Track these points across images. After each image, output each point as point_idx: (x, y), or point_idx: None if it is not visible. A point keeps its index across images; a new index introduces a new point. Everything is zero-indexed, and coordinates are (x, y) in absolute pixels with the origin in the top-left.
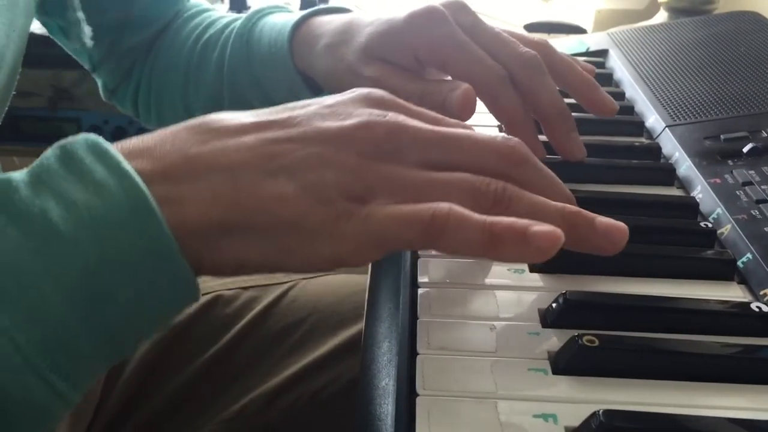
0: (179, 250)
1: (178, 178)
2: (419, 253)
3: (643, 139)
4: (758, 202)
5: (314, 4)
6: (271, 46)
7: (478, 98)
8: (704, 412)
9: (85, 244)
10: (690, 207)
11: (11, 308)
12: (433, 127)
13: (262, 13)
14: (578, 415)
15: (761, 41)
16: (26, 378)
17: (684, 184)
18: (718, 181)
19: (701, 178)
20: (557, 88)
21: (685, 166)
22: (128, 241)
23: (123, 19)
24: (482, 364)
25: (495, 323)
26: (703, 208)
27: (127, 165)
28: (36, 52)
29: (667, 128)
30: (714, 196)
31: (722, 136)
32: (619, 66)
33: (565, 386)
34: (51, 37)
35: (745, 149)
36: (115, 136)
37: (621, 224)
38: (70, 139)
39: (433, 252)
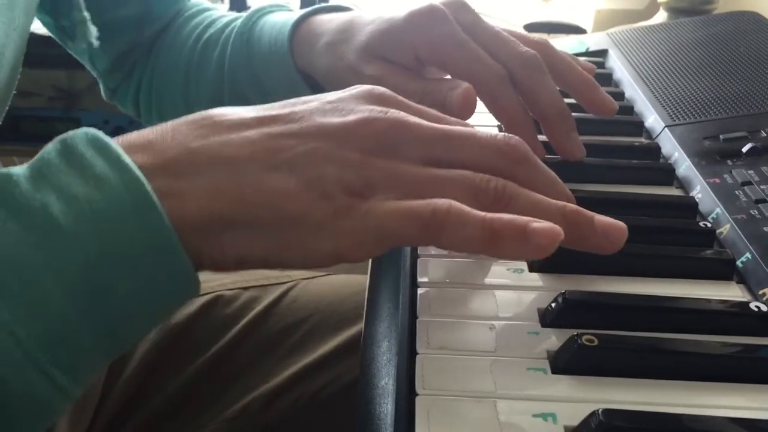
0: (180, 244)
1: (178, 172)
2: (419, 252)
3: (642, 139)
4: (757, 201)
5: (314, 3)
6: (271, 45)
7: (478, 98)
8: (704, 411)
9: (85, 238)
10: (689, 207)
11: (12, 302)
12: (434, 124)
13: (262, 12)
14: (577, 414)
15: (761, 41)
16: (27, 372)
17: (683, 184)
18: (717, 180)
19: (700, 177)
20: (557, 87)
21: (684, 166)
22: (129, 235)
23: (124, 18)
24: (482, 364)
25: (494, 323)
26: (702, 207)
27: (127, 159)
28: (36, 52)
29: (666, 128)
30: (713, 195)
31: (721, 136)
32: (618, 66)
33: (564, 386)
34: (52, 36)
35: (745, 149)
36: (115, 135)
37: (620, 223)
38: (71, 133)
39: (433, 251)
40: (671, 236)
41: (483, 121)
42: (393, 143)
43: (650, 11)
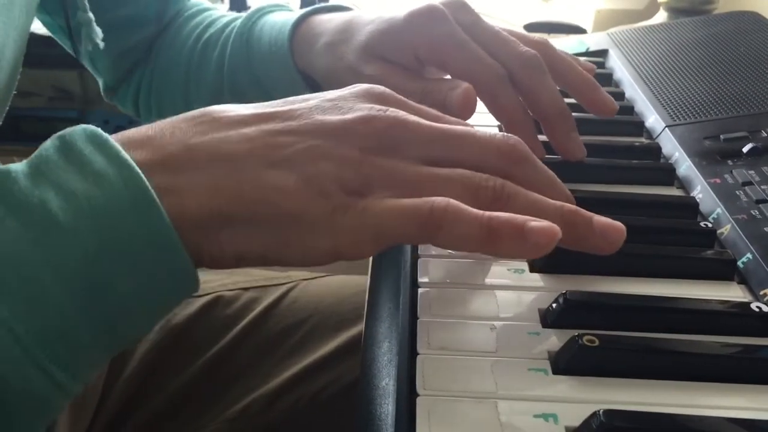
0: (179, 241)
1: (178, 168)
2: (419, 253)
3: (642, 139)
4: (758, 202)
5: (314, 3)
6: (271, 45)
7: (478, 97)
8: (704, 411)
9: (84, 235)
10: (690, 207)
11: (10, 299)
12: (433, 123)
13: (262, 12)
14: (578, 415)
15: (761, 41)
16: (26, 369)
17: (684, 184)
18: (717, 181)
19: (701, 178)
20: (557, 87)
21: (684, 166)
22: (128, 231)
23: (124, 18)
24: (482, 364)
25: (495, 323)
26: (702, 208)
27: (126, 155)
28: (36, 52)
29: (666, 128)
30: (714, 196)
31: (722, 136)
32: (618, 66)
33: (565, 386)
34: (53, 36)
35: (745, 149)
36: None
37: (618, 224)
38: (69, 129)
39: (434, 252)
40: (672, 236)
41: (483, 121)
42: (392, 142)
43: (650, 11)
